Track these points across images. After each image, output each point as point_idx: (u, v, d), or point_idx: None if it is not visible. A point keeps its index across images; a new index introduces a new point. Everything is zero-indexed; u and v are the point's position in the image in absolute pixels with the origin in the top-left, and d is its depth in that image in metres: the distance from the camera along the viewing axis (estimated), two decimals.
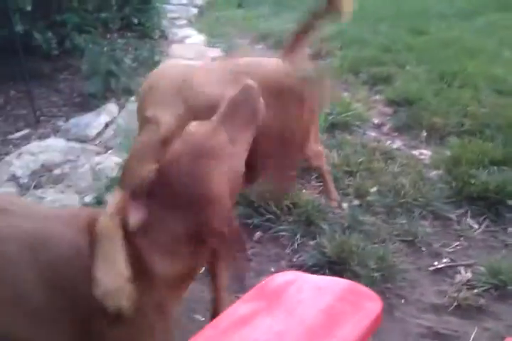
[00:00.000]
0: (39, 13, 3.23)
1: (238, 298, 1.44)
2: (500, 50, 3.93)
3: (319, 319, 0.93)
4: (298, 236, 1.93)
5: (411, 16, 5.07)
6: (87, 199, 2.11)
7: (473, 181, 2.17)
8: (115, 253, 0.99)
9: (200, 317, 1.59)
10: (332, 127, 2.76)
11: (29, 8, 3.00)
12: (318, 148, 1.99)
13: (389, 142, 2.67)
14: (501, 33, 4.35)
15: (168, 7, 5.17)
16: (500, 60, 3.71)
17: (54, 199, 2.06)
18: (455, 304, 1.63)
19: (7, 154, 2.41)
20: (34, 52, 3.15)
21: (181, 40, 4.47)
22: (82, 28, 3.56)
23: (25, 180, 2.23)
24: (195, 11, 5.59)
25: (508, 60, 3.70)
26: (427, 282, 1.74)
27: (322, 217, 2.00)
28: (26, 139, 2.61)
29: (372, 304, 1.00)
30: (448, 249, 1.89)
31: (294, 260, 1.85)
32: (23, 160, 2.34)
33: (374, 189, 2.18)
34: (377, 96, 3.27)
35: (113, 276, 0.98)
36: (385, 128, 2.87)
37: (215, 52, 4.18)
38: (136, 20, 4.31)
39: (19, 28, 2.97)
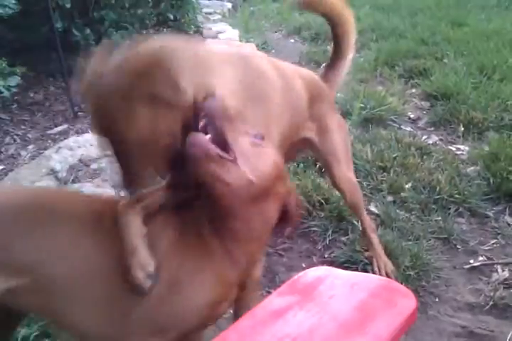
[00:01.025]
0: (78, 10, 3.30)
1: (269, 292, 1.46)
2: None
3: (352, 315, 0.94)
4: (330, 232, 1.92)
5: (449, 8, 4.95)
6: (123, 193, 2.16)
7: (511, 177, 2.12)
8: None
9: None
10: (366, 121, 2.73)
11: (68, 5, 3.08)
12: (352, 178, 1.67)
13: (425, 137, 2.62)
14: None
15: (203, 2, 5.20)
16: None
17: (91, 192, 2.11)
18: (491, 303, 1.60)
19: (46, 149, 2.48)
20: (73, 49, 3.23)
21: (216, 35, 4.49)
22: (119, 25, 3.62)
23: (64, 174, 2.30)
24: (229, 5, 5.60)
25: None
26: (462, 280, 1.71)
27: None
28: (65, 134, 2.68)
29: (406, 301, 1.00)
30: (484, 247, 1.86)
31: (326, 256, 1.85)
32: (62, 155, 2.41)
33: (409, 185, 2.15)
34: (414, 90, 3.21)
35: None
36: (421, 123, 2.82)
37: (249, 46, 4.19)
38: (171, 16, 4.35)
39: (59, 25, 3.05)
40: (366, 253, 1.75)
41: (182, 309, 1.08)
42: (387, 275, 1.64)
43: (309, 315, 0.93)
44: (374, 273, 1.66)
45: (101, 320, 1.10)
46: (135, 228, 1.10)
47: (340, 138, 1.62)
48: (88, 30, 3.34)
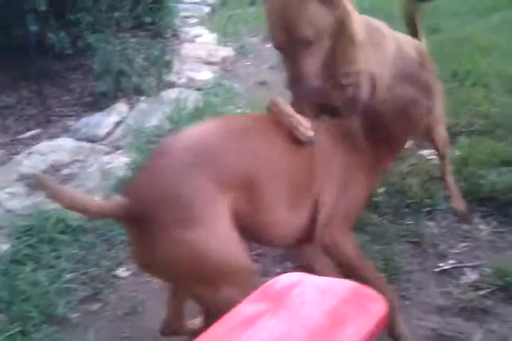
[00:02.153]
0: (53, 12, 3.26)
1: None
2: None
3: (323, 321, 0.95)
4: None
5: (423, 14, 5.03)
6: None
7: (482, 182, 2.16)
8: None
9: None
10: None
11: (43, 7, 3.04)
12: (444, 133, 2.03)
13: None
14: None
15: (180, 6, 5.17)
16: None
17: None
18: (460, 306, 1.63)
19: (17, 154, 2.44)
20: (47, 52, 3.19)
21: (193, 39, 4.49)
22: (95, 28, 3.59)
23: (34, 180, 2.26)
24: (207, 9, 5.59)
25: None
26: (432, 283, 1.74)
27: None
28: (36, 139, 2.65)
29: (376, 306, 1.01)
30: (454, 250, 1.89)
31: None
32: (33, 160, 2.37)
33: (382, 189, 2.18)
34: None
35: None
36: None
37: (227, 51, 4.20)
38: (148, 20, 4.33)
39: (33, 28, 3.01)
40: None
41: (354, 201, 1.42)
42: (460, 213, 2.03)
43: (281, 322, 0.94)
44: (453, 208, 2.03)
45: (295, 217, 1.33)
46: (289, 108, 1.36)
47: (437, 100, 1.83)
48: (63, 33, 3.31)
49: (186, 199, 1.15)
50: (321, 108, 1.49)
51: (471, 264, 1.81)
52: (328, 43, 1.36)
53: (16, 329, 1.45)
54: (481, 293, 1.67)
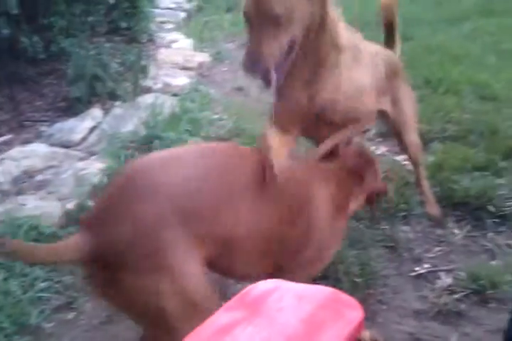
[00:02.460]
0: (25, 16, 3.20)
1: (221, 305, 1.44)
2: (485, 56, 3.99)
3: (300, 328, 0.94)
4: None
5: (363, 25, 5.12)
6: (69, 206, 2.09)
7: (455, 187, 2.20)
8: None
9: None
10: None
11: (16, 11, 2.98)
12: (417, 140, 2.03)
13: (373, 148, 2.70)
14: (485, 38, 4.42)
15: (156, 11, 5.14)
16: (484, 66, 3.76)
17: (35, 206, 2.04)
18: (436, 309, 1.65)
19: None
20: (20, 56, 3.12)
21: (169, 45, 4.46)
22: (68, 32, 3.54)
23: (7, 187, 2.21)
24: (183, 15, 5.57)
25: (492, 66, 3.76)
26: (408, 288, 1.76)
27: None
28: (9, 145, 2.59)
29: (353, 312, 1.01)
30: (429, 255, 1.92)
31: None
32: (5, 166, 2.32)
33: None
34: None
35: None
36: (370, 134, 2.89)
37: (203, 56, 4.19)
38: (124, 25, 4.29)
39: (5, 31, 2.95)
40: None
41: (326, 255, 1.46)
42: (435, 217, 2.05)
43: (258, 330, 0.93)
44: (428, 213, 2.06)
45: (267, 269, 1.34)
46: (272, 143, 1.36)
47: (409, 108, 1.94)
48: (36, 37, 3.25)
49: (160, 249, 1.11)
50: (303, 127, 1.49)
51: (445, 268, 1.84)
52: (301, 34, 1.33)
53: None
54: (456, 296, 1.70)
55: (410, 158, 2.11)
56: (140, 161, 1.28)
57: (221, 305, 1.12)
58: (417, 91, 3.27)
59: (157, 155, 1.31)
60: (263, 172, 1.27)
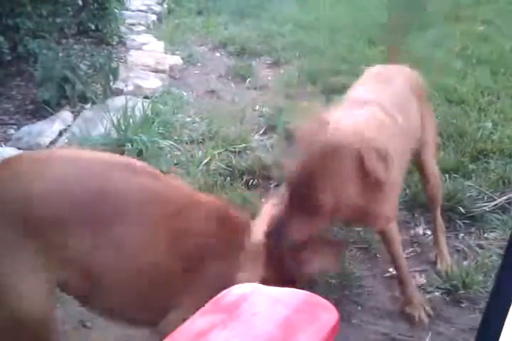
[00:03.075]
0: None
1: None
2: (450, 61, 4.09)
3: (275, 332, 0.93)
4: None
5: (366, 27, 5.21)
6: None
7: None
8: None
9: None
10: (292, 136, 2.78)
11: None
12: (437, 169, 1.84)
13: None
14: (451, 44, 4.53)
15: (126, 13, 5.07)
16: (451, 70, 3.86)
17: None
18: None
19: None
20: None
21: (140, 47, 4.41)
22: (36, 33, 3.46)
23: None
24: (153, 17, 5.52)
25: (458, 70, 3.86)
26: (382, 288, 1.78)
27: None
28: None
29: (328, 315, 1.01)
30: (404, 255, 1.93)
31: None
32: None
33: None
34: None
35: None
36: None
37: (175, 59, 4.15)
38: (92, 26, 4.22)
39: None
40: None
41: None
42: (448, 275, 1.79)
43: (233, 335, 0.91)
44: (439, 271, 1.82)
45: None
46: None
47: (431, 127, 1.78)
48: (1, 38, 3.16)
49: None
50: None
51: (418, 269, 1.86)
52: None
53: None
54: (429, 296, 1.72)
55: (429, 196, 1.87)
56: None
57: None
58: None
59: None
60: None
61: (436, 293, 1.73)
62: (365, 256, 1.92)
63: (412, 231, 2.08)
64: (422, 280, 1.80)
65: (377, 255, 1.93)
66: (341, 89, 3.46)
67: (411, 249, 1.98)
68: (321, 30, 5.10)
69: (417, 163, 1.80)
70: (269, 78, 3.88)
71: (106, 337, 1.47)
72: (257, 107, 3.21)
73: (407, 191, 2.25)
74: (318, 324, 1.00)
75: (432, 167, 1.80)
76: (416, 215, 2.16)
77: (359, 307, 1.69)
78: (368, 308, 1.69)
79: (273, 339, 0.93)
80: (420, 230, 2.08)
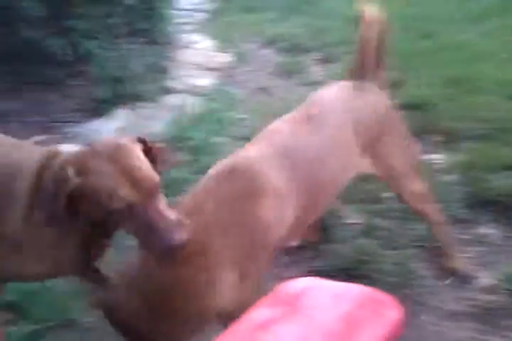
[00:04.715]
0: (51, 19, 3.24)
1: None
2: (508, 55, 3.90)
3: (337, 326, 0.91)
4: None
5: (419, 20, 5.06)
6: None
7: (486, 186, 2.14)
8: None
9: None
10: None
11: (41, 14, 3.02)
12: (416, 190, 1.70)
13: None
14: (508, 36, 4.33)
15: (175, 12, 5.17)
16: (509, 64, 3.67)
17: None
18: (474, 310, 1.61)
19: None
20: (47, 59, 3.16)
21: (189, 46, 4.47)
22: (90, 34, 3.57)
23: None
24: (203, 16, 5.59)
25: None
26: (445, 288, 1.72)
27: (338, 223, 1.98)
28: (44, 145, 2.61)
29: (392, 311, 0.98)
30: (466, 255, 1.86)
31: (312, 265, 1.84)
32: None
33: (389, 194, 2.15)
34: None
35: None
36: None
37: (225, 57, 4.19)
38: (143, 26, 4.32)
39: (32, 34, 2.98)
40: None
41: None
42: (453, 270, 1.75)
43: (294, 327, 0.91)
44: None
45: None
46: None
47: (400, 160, 1.63)
48: (62, 40, 3.29)
49: None
50: None
51: (483, 269, 1.78)
52: None
53: (29, 330, 1.46)
54: (494, 297, 1.64)
55: (417, 213, 1.79)
56: None
57: None
58: (441, 89, 3.23)
59: None
60: None
61: (502, 294, 1.65)
62: (427, 254, 1.86)
63: (473, 230, 2.00)
64: (486, 280, 1.72)
65: (439, 254, 1.86)
66: (395, 84, 3.38)
67: (475, 249, 1.90)
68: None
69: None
70: (320, 74, 3.83)
71: None
72: None
73: (468, 189, 2.17)
74: (382, 320, 0.97)
75: (407, 188, 1.69)
76: (478, 213, 2.07)
77: (421, 307, 1.64)
78: (431, 308, 1.63)
79: (335, 334, 0.91)
80: (483, 229, 1.99)
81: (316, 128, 1.42)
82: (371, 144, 1.54)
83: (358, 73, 1.62)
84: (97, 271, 1.38)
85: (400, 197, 1.75)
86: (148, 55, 3.86)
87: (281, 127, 1.45)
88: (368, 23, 1.66)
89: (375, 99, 1.59)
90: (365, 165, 1.57)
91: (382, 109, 1.58)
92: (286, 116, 1.51)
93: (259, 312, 0.98)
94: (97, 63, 3.28)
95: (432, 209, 1.75)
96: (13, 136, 1.40)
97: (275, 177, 1.30)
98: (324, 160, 1.41)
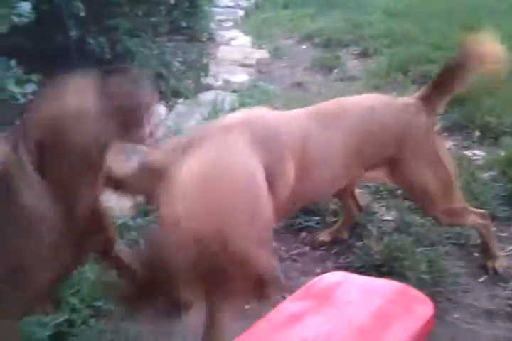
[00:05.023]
0: (92, 18, 3.34)
1: (284, 297, 1.45)
2: None
3: (369, 320, 0.93)
4: None
5: (462, 12, 4.92)
6: (139, 198, 2.16)
7: None
8: None
9: None
10: None
11: (83, 13, 3.12)
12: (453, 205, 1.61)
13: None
14: None
15: (215, 10, 5.23)
16: None
17: (108, 198, 2.11)
18: (509, 309, 1.58)
19: None
20: (88, 57, 3.26)
21: (228, 42, 4.52)
22: (133, 32, 3.66)
23: None
24: (241, 12, 5.63)
25: None
26: (479, 286, 1.69)
27: (369, 219, 1.98)
28: None
29: (423, 307, 0.99)
30: (502, 253, 1.82)
31: (340, 261, 1.84)
32: None
33: None
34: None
35: None
36: (436, 128, 2.79)
37: (262, 53, 4.21)
38: (184, 24, 4.39)
39: (73, 33, 3.09)
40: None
41: None
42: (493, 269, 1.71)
43: (326, 320, 0.93)
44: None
45: None
46: None
47: (430, 180, 1.55)
48: (102, 38, 3.39)
49: None
50: None
51: None
52: None
53: (62, 319, 1.48)
54: None
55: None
56: None
57: None
58: (485, 83, 3.13)
59: None
60: None
61: None
62: (461, 252, 1.83)
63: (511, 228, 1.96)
64: None
65: (475, 252, 1.84)
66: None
67: (509, 246, 1.86)
68: (411, 17, 4.90)
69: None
70: (357, 69, 3.80)
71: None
72: None
73: (508, 186, 2.12)
74: (413, 316, 0.99)
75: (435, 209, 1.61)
76: None
77: (453, 305, 1.61)
78: (464, 306, 1.60)
79: (366, 328, 0.93)
80: None
81: (328, 125, 1.42)
82: (389, 161, 1.52)
83: (424, 91, 1.57)
84: (118, 258, 1.36)
85: (435, 219, 1.71)
86: (189, 52, 3.92)
87: (300, 114, 1.47)
88: (481, 56, 1.50)
89: (408, 119, 1.52)
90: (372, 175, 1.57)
91: (410, 130, 1.52)
92: (310, 108, 1.52)
93: (291, 304, 1.01)
94: (138, 60, 3.36)
95: (473, 221, 1.68)
96: None
97: (289, 141, 1.32)
98: (328, 157, 1.42)
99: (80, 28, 3.20)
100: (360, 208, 1.91)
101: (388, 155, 1.52)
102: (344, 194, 1.83)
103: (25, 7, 2.12)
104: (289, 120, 1.41)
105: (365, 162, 1.50)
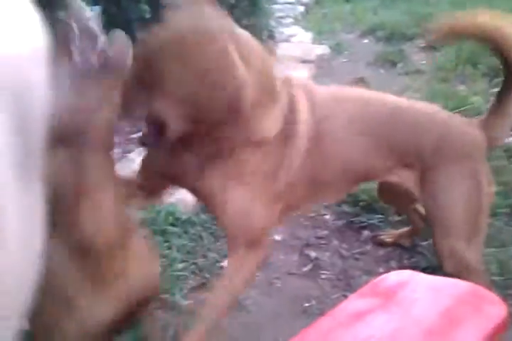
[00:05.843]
0: (156, 19, 3.46)
1: (345, 296, 1.44)
2: None
3: (437, 321, 0.91)
4: None
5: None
6: None
7: None
8: None
9: None
10: None
11: (148, 15, 3.23)
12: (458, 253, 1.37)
13: (511, 139, 2.47)
14: None
15: (275, 7, 5.24)
16: None
17: (172, 194, 2.19)
18: None
19: (130, 152, 2.59)
20: None
21: (288, 39, 4.52)
22: None
23: None
24: (301, 8, 5.61)
25: None
26: None
27: None
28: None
29: (495, 309, 0.95)
30: None
31: (405, 261, 1.80)
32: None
33: (495, 189, 2.03)
34: (498, 89, 3.04)
35: None
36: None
37: (322, 48, 4.18)
38: (245, 22, 4.44)
39: (139, 35, 3.22)
40: None
41: None
42: None
43: (392, 319, 0.92)
44: None
45: None
46: None
47: (458, 205, 1.35)
48: None
49: None
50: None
51: None
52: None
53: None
54: None
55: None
56: None
57: None
58: None
59: None
60: None
61: None
62: None
63: None
64: None
65: None
66: None
67: None
68: (479, 8, 4.68)
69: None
70: (423, 62, 3.69)
71: (261, 316, 1.54)
72: (410, 93, 3.08)
73: None
74: (484, 317, 0.95)
75: (447, 252, 1.37)
76: None
77: None
78: None
79: (434, 328, 0.91)
80: None
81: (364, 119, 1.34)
82: (422, 165, 1.36)
83: (493, 105, 1.47)
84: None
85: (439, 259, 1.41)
86: None
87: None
88: None
89: (454, 132, 1.40)
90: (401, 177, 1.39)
91: (450, 143, 1.37)
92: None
93: (355, 302, 1.01)
94: None
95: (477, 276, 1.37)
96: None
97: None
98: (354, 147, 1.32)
99: (145, 30, 3.32)
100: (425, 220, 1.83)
101: (422, 155, 1.36)
102: (406, 210, 1.81)
103: (97, 10, 2.24)
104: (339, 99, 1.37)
105: (396, 154, 1.35)
